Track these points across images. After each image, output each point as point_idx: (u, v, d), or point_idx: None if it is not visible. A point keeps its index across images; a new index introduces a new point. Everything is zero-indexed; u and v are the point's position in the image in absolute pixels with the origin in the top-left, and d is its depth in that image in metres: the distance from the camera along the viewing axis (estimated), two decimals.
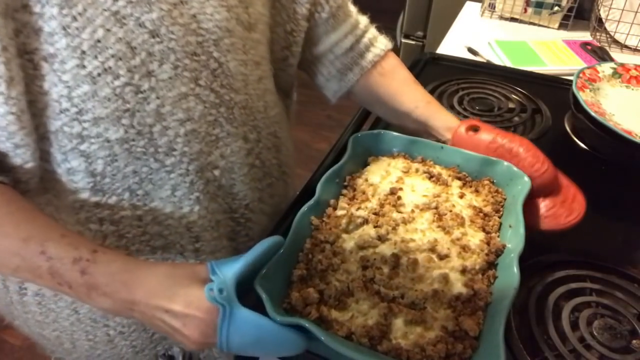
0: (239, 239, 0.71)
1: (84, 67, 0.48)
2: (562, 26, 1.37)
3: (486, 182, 0.69)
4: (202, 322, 0.47)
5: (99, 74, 0.49)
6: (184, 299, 0.47)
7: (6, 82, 0.45)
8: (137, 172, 0.56)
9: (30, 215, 0.49)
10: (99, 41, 0.47)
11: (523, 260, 0.57)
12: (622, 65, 0.94)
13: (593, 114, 0.78)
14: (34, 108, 0.49)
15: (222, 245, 0.68)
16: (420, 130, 0.76)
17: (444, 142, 0.73)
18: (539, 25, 1.39)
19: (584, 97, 0.82)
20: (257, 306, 0.52)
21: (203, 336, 0.48)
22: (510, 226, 0.61)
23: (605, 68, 0.93)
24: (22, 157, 0.50)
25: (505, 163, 0.69)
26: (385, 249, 0.58)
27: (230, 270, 0.49)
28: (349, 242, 0.60)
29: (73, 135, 0.51)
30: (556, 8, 1.35)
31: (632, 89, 0.92)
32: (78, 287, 0.48)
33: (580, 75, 0.87)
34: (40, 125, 0.50)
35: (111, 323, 0.67)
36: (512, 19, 1.41)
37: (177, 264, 0.54)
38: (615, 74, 0.93)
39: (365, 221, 0.62)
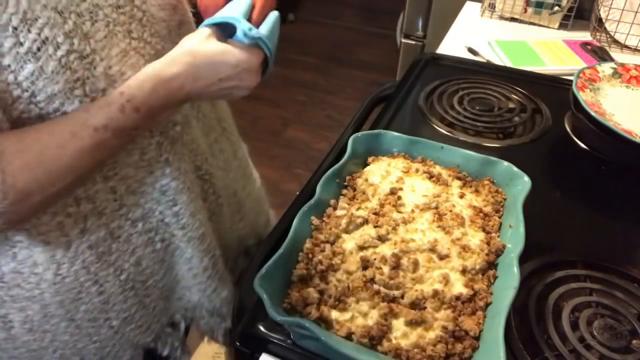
0: (209, 198, 0.72)
1: (21, 44, 0.46)
2: (562, 26, 1.37)
3: (486, 182, 0.69)
4: (250, 67, 0.56)
5: (38, 48, 0.47)
6: (225, 62, 0.54)
7: None
8: None
9: (45, 125, 0.49)
10: (25, 12, 0.46)
11: (523, 260, 0.57)
12: (622, 65, 0.94)
13: (593, 114, 0.78)
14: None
15: (200, 206, 0.69)
16: None
17: None
18: (539, 25, 1.39)
19: (584, 97, 0.82)
20: (257, 306, 0.52)
21: (256, 76, 0.57)
22: (510, 226, 0.61)
23: (605, 68, 0.93)
24: None
25: (505, 163, 0.69)
26: (386, 249, 0.58)
27: (233, 16, 0.55)
28: (349, 242, 0.60)
29: (33, 119, 0.50)
30: (556, 8, 1.35)
31: (632, 89, 0.91)
32: (142, 123, 0.53)
33: (580, 75, 0.87)
34: (2, 115, 0.48)
35: (111, 314, 0.65)
36: (512, 19, 1.41)
37: (188, 48, 0.55)
38: (616, 74, 0.93)
39: (365, 221, 0.62)
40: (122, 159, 0.58)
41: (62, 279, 0.59)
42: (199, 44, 0.54)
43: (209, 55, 0.54)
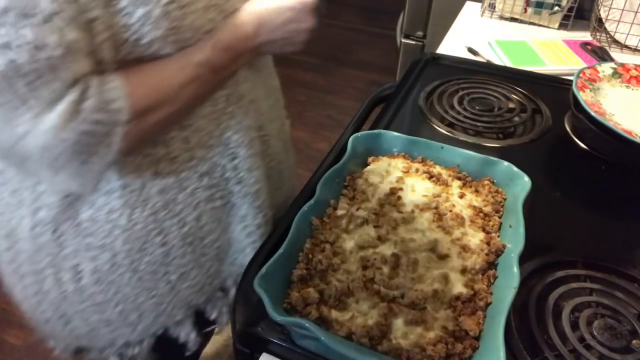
0: (266, 157, 0.77)
1: None
2: (562, 26, 1.37)
3: (486, 182, 0.69)
4: (310, 8, 0.65)
5: None
6: (286, 7, 0.64)
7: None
8: None
9: (155, 62, 0.57)
10: None
11: (523, 260, 0.57)
12: (622, 65, 0.94)
13: (593, 114, 0.78)
14: (99, 44, 0.52)
15: (257, 164, 0.73)
16: None
17: None
18: (539, 25, 1.39)
19: (584, 97, 0.82)
20: (257, 306, 0.52)
21: (312, 17, 0.66)
22: (510, 226, 0.61)
23: (606, 68, 0.93)
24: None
25: (505, 163, 0.69)
26: (385, 249, 0.58)
27: None
28: (349, 242, 0.60)
29: (133, 62, 0.56)
30: (556, 8, 1.35)
31: (632, 89, 0.91)
32: (230, 60, 0.62)
33: (580, 75, 0.87)
34: (105, 57, 0.53)
35: (170, 268, 0.70)
36: (512, 19, 1.41)
37: None
38: (616, 74, 0.92)
39: (365, 221, 0.62)
40: (196, 111, 0.64)
41: (133, 225, 0.64)
42: None
43: (272, 4, 0.64)
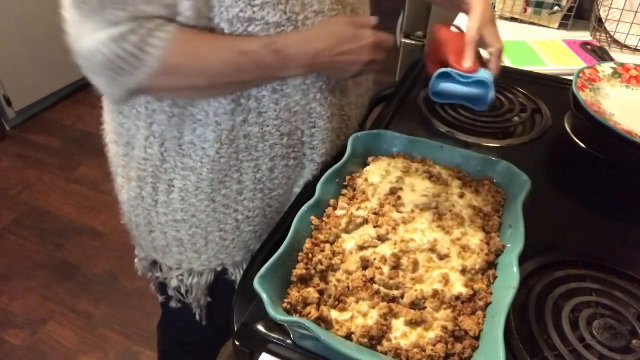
0: (341, 137, 0.83)
1: None
2: (562, 26, 1.37)
3: (486, 182, 0.69)
4: (370, 45, 0.70)
5: None
6: (353, 38, 0.69)
7: None
8: None
9: (208, 34, 0.64)
10: None
11: (523, 260, 0.57)
12: (622, 65, 0.94)
13: (593, 114, 0.78)
14: (214, 1, 0.61)
15: (330, 138, 0.80)
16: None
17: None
18: (539, 25, 1.39)
19: (584, 97, 0.82)
20: (257, 306, 0.52)
21: (372, 55, 0.71)
22: (510, 226, 0.61)
23: (605, 68, 0.93)
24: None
25: (505, 163, 0.69)
26: (386, 249, 0.58)
27: None
28: (349, 242, 0.60)
29: (245, 19, 0.63)
30: (556, 8, 1.35)
31: (632, 89, 0.91)
32: (276, 64, 0.66)
33: (580, 75, 0.87)
34: (216, 16, 0.63)
35: (240, 207, 0.79)
36: (512, 19, 1.41)
37: (326, 22, 0.70)
38: (615, 73, 0.92)
39: (365, 221, 0.62)
40: (288, 80, 0.71)
41: (220, 158, 0.74)
42: (338, 21, 0.70)
43: (342, 32, 0.69)
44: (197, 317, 0.91)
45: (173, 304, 0.92)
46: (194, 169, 0.75)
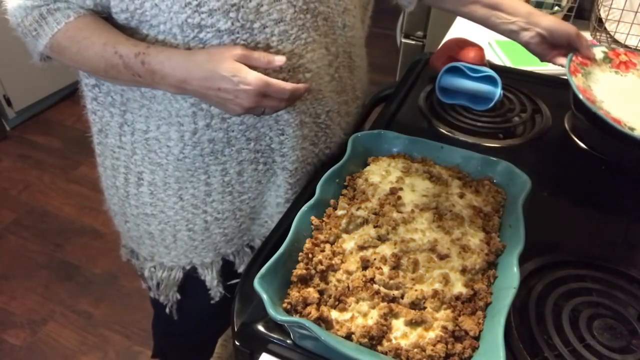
0: (320, 144, 0.80)
1: None
2: None
3: (486, 182, 0.69)
4: (252, 92, 0.61)
5: None
6: (231, 77, 0.61)
7: None
8: None
9: (106, 28, 0.66)
10: None
11: (523, 260, 0.57)
12: (613, 49, 0.93)
13: (585, 102, 0.77)
14: (164, 6, 0.61)
15: (302, 145, 0.77)
16: (487, 15, 0.86)
17: (511, 27, 0.82)
18: None
19: (577, 81, 0.82)
20: (257, 306, 0.52)
21: (253, 102, 0.62)
22: (510, 226, 0.61)
23: (597, 52, 0.92)
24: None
25: (505, 163, 0.69)
26: (386, 249, 0.58)
27: None
28: (349, 242, 0.60)
29: (194, 25, 0.62)
30: (556, 8, 1.35)
31: (621, 75, 0.91)
32: (144, 75, 0.64)
33: (573, 58, 0.87)
34: (169, 21, 0.62)
35: (209, 209, 0.79)
36: None
37: (213, 50, 0.64)
38: (606, 58, 0.92)
39: (365, 221, 0.62)
40: None
41: (184, 157, 0.74)
42: (224, 52, 0.62)
43: (222, 66, 0.61)
44: (167, 310, 0.92)
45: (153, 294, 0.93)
46: (160, 165, 0.76)
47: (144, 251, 0.88)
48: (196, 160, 0.74)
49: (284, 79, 0.68)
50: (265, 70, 0.64)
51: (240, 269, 0.87)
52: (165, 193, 0.78)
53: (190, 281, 0.88)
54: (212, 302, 0.90)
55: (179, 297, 0.90)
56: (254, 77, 0.61)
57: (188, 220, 0.80)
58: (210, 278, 0.87)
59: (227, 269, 0.87)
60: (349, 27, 0.75)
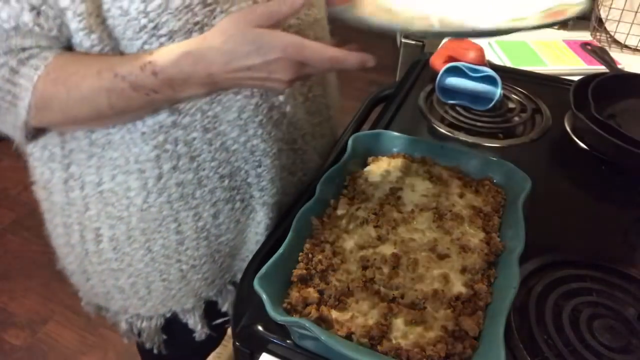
0: (297, 172, 0.76)
1: None
2: (562, 26, 1.36)
3: (486, 182, 0.69)
4: (285, 61, 0.50)
5: None
6: (257, 49, 0.49)
7: None
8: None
9: (92, 56, 0.55)
10: None
11: (523, 260, 0.57)
12: None
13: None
14: (117, 33, 0.54)
15: (281, 176, 0.72)
16: None
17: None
18: None
19: None
20: (257, 306, 0.52)
21: (292, 73, 0.51)
22: (510, 226, 0.61)
23: None
24: None
25: (505, 163, 0.69)
26: (385, 249, 0.58)
27: None
28: (349, 242, 0.60)
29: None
30: None
31: None
32: (161, 88, 0.53)
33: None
34: (124, 50, 0.55)
35: (183, 257, 0.71)
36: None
37: (225, 25, 0.52)
38: None
39: (365, 221, 0.62)
40: (221, 116, 0.62)
41: (149, 207, 0.66)
42: (238, 22, 0.50)
43: (244, 39, 0.50)
44: (155, 351, 0.83)
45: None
46: (121, 218, 0.67)
47: (115, 305, 0.78)
48: (163, 209, 0.66)
49: (257, 104, 0.63)
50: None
51: (225, 308, 0.80)
52: (130, 247, 0.69)
53: (174, 324, 0.79)
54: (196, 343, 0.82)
55: (165, 337, 0.82)
56: (281, 41, 0.49)
57: (161, 271, 0.71)
58: (194, 322, 0.78)
59: (210, 309, 0.79)
60: (320, 40, 0.67)
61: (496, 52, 1.22)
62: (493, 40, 1.26)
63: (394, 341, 0.50)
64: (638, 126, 0.84)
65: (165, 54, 0.52)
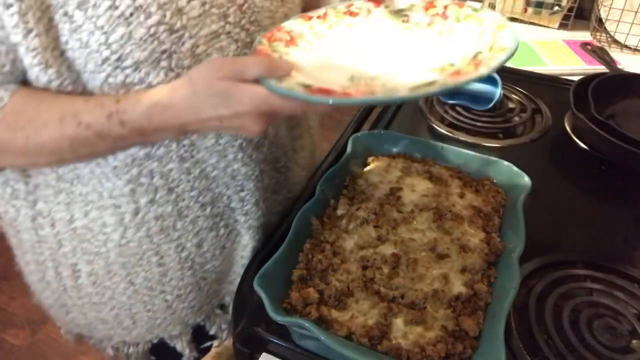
0: (282, 191, 0.73)
1: (116, 7, 0.48)
2: (562, 26, 1.37)
3: (486, 182, 0.69)
4: (254, 114, 0.48)
5: (131, 14, 0.49)
6: (225, 102, 0.48)
7: (22, 33, 0.47)
8: None
9: (53, 98, 0.51)
10: None
11: (523, 260, 0.57)
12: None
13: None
14: (78, 66, 0.51)
15: (265, 196, 0.69)
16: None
17: None
18: (539, 25, 1.38)
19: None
20: (257, 306, 0.52)
21: (263, 123, 0.49)
22: (510, 226, 0.61)
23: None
24: None
25: (505, 163, 0.69)
26: (385, 249, 0.58)
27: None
28: (349, 242, 0.60)
29: (118, 85, 0.52)
30: (556, 8, 1.35)
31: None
32: (130, 136, 0.51)
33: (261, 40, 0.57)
34: (86, 84, 0.52)
35: (167, 288, 0.68)
36: (512, 19, 1.40)
37: (194, 76, 0.49)
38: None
39: (365, 221, 0.62)
40: (198, 143, 0.60)
41: (127, 242, 0.63)
42: (207, 75, 0.49)
43: (212, 92, 0.48)
44: None
45: None
46: (98, 254, 0.64)
47: (99, 334, 0.75)
48: (143, 243, 0.63)
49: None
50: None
51: (213, 331, 0.77)
52: (111, 281, 0.66)
53: (162, 347, 0.76)
54: None
55: (154, 358, 0.79)
56: (248, 96, 0.47)
57: (145, 302, 0.68)
58: (181, 347, 0.75)
59: (199, 333, 0.77)
60: None
61: None
62: None
63: (394, 341, 0.50)
64: (638, 126, 0.84)
65: (133, 104, 0.50)
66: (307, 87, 0.47)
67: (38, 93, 0.52)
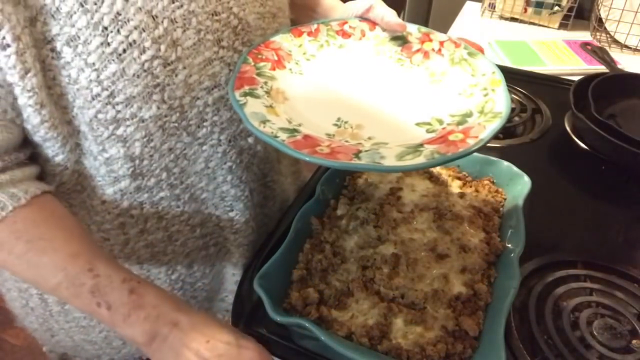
0: (269, 204, 0.73)
1: (108, 44, 0.46)
2: (562, 26, 1.37)
3: (486, 182, 0.69)
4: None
5: (124, 50, 0.46)
6: (213, 345, 0.47)
7: (19, 74, 0.44)
8: (172, 149, 0.56)
9: (80, 233, 0.50)
10: (119, 14, 0.45)
11: (523, 260, 0.57)
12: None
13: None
14: (65, 101, 0.48)
15: (255, 213, 0.69)
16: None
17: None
18: (539, 25, 1.39)
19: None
20: (257, 306, 0.52)
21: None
22: (510, 226, 0.61)
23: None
24: (51, 149, 0.50)
25: (505, 163, 0.69)
26: (385, 249, 0.58)
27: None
28: (349, 242, 0.60)
29: (108, 121, 0.50)
30: (556, 8, 1.35)
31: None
32: (119, 307, 0.47)
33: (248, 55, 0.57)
34: (74, 119, 0.49)
35: None
36: (512, 19, 1.41)
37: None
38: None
39: (365, 221, 0.62)
40: (188, 169, 0.59)
41: None
42: (205, 325, 0.48)
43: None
44: None
45: None
46: None
47: (87, 354, 0.73)
48: (132, 270, 0.59)
49: (224, 152, 0.60)
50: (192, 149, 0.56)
51: None
52: None
53: None
54: None
55: None
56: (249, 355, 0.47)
57: None
58: None
59: None
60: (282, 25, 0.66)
61: (496, 52, 1.22)
62: (493, 40, 1.26)
63: (394, 341, 0.50)
64: (638, 126, 0.84)
65: (155, 287, 0.49)
66: (292, 134, 0.46)
67: (63, 215, 0.50)
